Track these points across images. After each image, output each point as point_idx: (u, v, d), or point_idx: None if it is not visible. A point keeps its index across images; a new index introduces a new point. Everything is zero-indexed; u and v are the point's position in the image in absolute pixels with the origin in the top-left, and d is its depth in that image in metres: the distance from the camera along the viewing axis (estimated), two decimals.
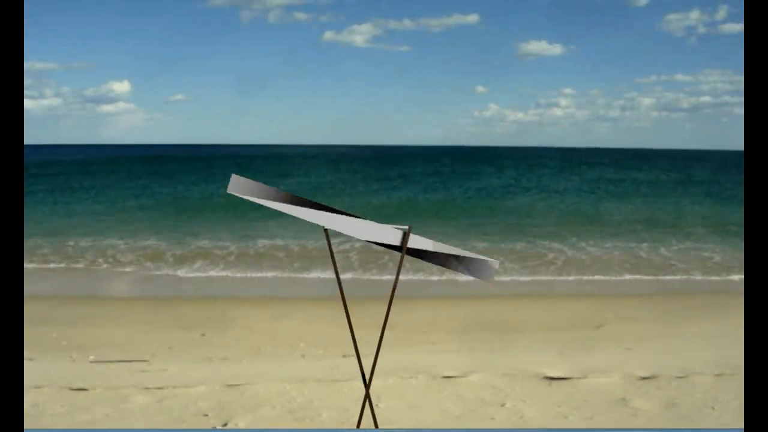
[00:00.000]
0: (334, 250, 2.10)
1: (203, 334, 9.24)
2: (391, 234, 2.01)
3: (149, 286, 13.49)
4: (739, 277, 14.23)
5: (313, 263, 15.15)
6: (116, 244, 17.77)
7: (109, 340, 8.91)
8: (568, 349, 8.22)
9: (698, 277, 14.34)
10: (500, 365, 7.02)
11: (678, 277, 14.40)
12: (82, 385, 6.36)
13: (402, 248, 2.00)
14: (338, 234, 2.06)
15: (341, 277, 2.17)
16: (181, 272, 14.50)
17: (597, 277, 14.25)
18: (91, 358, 8.00)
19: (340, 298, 2.05)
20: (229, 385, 6.33)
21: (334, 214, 2.03)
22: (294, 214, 2.01)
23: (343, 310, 2.07)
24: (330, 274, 14.07)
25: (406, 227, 2.01)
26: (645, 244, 18.22)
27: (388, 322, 2.07)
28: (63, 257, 16.03)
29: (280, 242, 17.80)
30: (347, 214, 2.04)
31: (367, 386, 2.00)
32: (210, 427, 5.33)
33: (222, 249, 17.00)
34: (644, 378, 6.51)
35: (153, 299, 12.20)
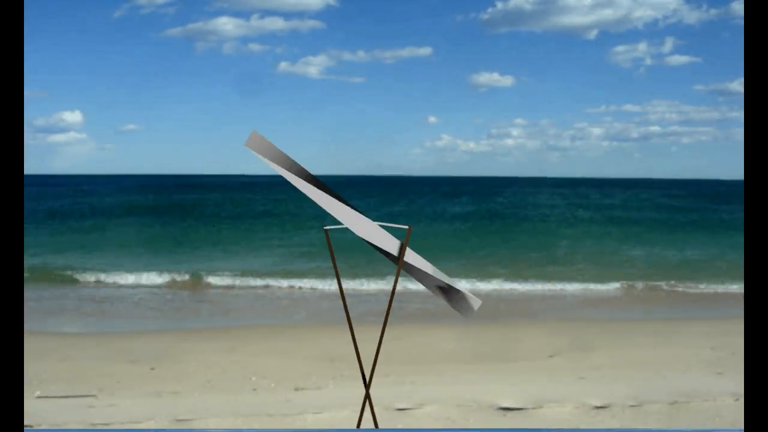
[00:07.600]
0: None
1: (152, 368, 9.05)
2: (390, 240, 1.99)
3: (96, 320, 13.20)
4: (697, 299, 14.46)
5: (264, 293, 15.01)
6: (62, 275, 17.40)
7: (55, 374, 8.67)
8: (522, 379, 8.22)
9: (649, 305, 14.52)
10: (454, 396, 6.99)
11: (630, 304, 14.57)
12: (26, 423, 6.16)
13: (402, 248, 1.98)
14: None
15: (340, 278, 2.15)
16: (130, 304, 14.24)
17: (549, 305, 14.35)
18: (37, 393, 7.77)
19: (340, 302, 2.03)
20: (179, 420, 6.19)
21: (344, 206, 1.98)
22: (305, 192, 1.93)
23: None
24: (282, 306, 13.96)
25: (406, 227, 1.99)
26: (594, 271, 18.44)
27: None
28: None
29: (228, 275, 17.62)
30: (354, 209, 2.00)
31: (367, 387, 1.98)
32: None
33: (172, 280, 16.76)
34: (598, 407, 6.53)
35: (100, 332, 11.95)
